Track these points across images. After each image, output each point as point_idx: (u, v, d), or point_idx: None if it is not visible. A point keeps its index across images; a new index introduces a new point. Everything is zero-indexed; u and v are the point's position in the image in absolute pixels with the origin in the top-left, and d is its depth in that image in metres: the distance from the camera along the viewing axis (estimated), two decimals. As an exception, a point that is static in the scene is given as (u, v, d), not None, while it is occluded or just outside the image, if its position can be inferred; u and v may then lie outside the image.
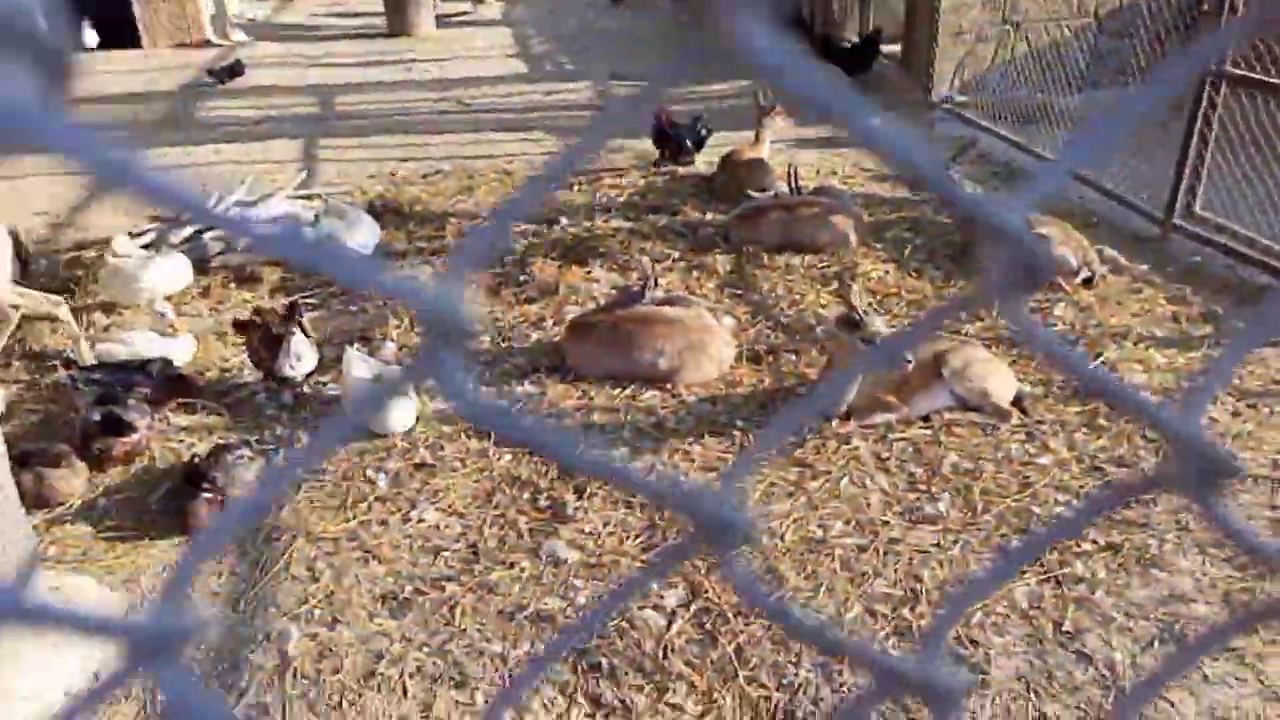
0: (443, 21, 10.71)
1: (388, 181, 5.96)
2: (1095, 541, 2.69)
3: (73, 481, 3.05)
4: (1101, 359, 3.61)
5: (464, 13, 11.38)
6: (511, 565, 2.69)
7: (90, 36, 9.49)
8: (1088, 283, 4.11)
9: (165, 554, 2.77)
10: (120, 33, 9.63)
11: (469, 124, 7.21)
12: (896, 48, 7.55)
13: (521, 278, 4.50)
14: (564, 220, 5.15)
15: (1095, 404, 3.32)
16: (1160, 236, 4.61)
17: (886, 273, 4.37)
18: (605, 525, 2.84)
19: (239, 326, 3.68)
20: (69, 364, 3.62)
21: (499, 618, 2.50)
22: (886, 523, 2.78)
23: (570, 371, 3.69)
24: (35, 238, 5.33)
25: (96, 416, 3.20)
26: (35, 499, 2.93)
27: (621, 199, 5.45)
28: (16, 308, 3.81)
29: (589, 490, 2.98)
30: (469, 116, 7.46)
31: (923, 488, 2.92)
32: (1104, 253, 4.31)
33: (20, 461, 2.88)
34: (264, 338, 3.58)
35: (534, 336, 4.02)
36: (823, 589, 2.52)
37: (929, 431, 3.20)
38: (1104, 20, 6.76)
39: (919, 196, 4.84)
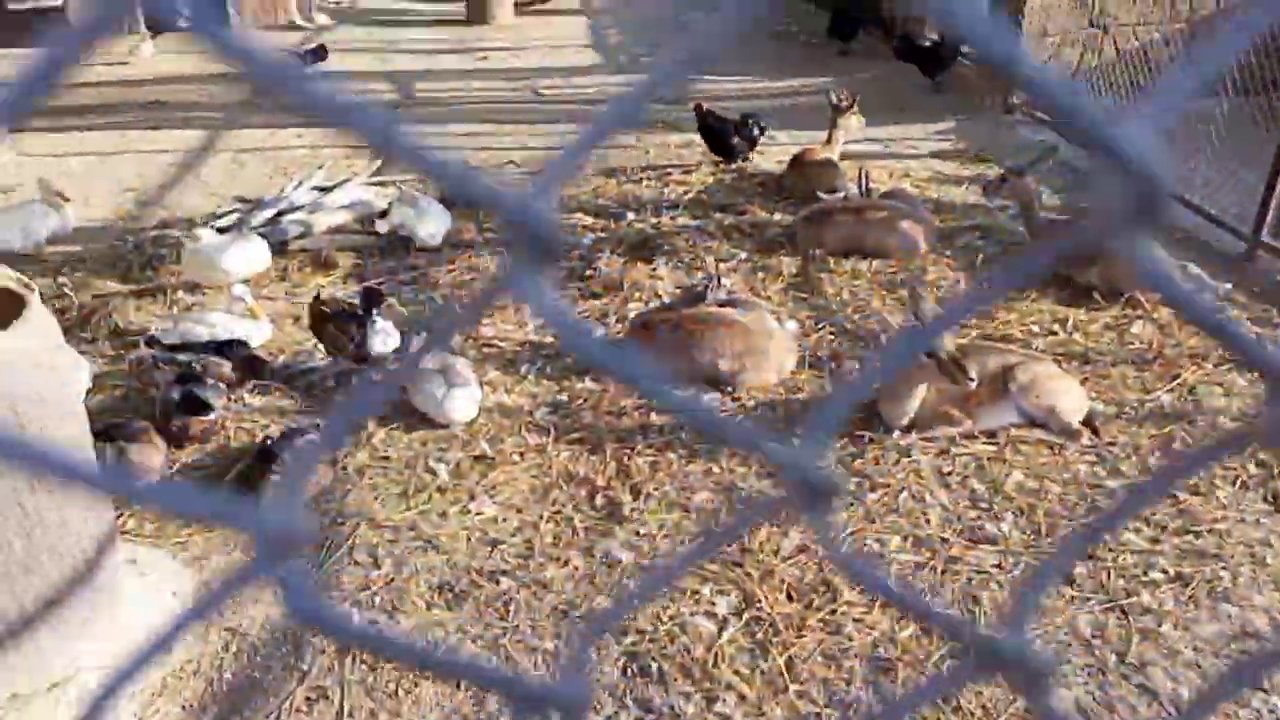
0: (521, 9, 10.78)
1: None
2: (1164, 571, 2.62)
3: (152, 457, 3.17)
4: (1179, 380, 3.50)
5: (542, 1, 11.43)
6: (566, 563, 2.73)
7: (183, 21, 9.75)
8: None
9: (234, 534, 2.87)
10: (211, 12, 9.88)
11: (542, 114, 7.27)
12: (978, 47, 7.37)
13: (587, 272, 4.53)
14: (631, 215, 5.16)
15: (1171, 427, 3.23)
16: (1247, 255, 4.45)
17: (957, 281, 4.29)
18: (660, 528, 2.85)
19: (315, 314, 3.77)
20: (151, 342, 3.76)
21: (552, 615, 2.54)
22: (945, 540, 2.74)
23: (632, 370, 3.70)
24: (125, 215, 5.54)
25: (176, 395, 3.32)
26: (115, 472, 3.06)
27: (689, 196, 5.44)
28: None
29: (645, 491, 3.00)
30: (542, 107, 7.51)
31: (985, 506, 2.88)
32: (1187, 269, 4.17)
33: (103, 435, 3.01)
34: (340, 324, 3.67)
35: (599, 331, 4.04)
36: (877, 604, 2.50)
37: (994, 448, 3.14)
38: (1197, 25, 6.52)
39: (993, 203, 4.74)
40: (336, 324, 3.69)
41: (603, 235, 4.96)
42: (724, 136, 5.77)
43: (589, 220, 5.16)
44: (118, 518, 2.64)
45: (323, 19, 10.44)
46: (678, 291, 4.30)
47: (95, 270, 4.72)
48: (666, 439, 3.29)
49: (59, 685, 2.26)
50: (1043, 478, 2.99)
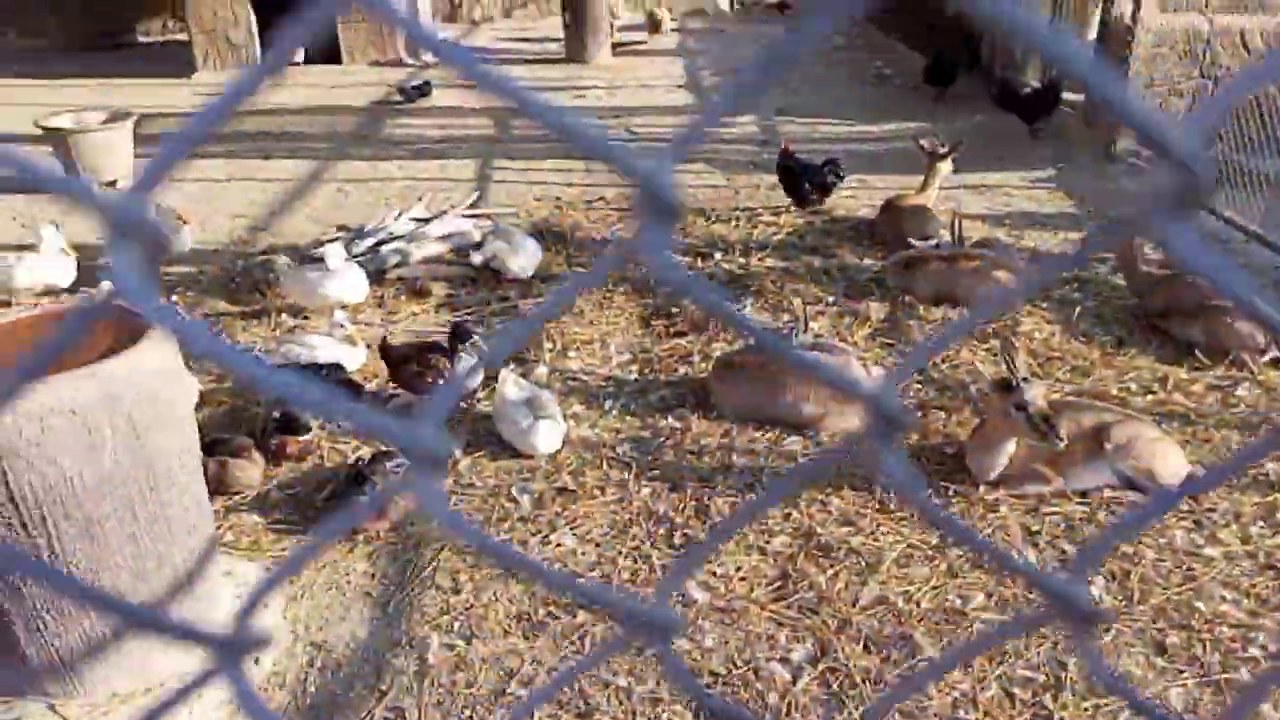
0: (618, 50, 11.01)
1: (553, 206, 6.18)
2: (1264, 648, 2.50)
3: (251, 472, 3.31)
4: (1287, 447, 3.34)
5: (639, 42, 11.66)
6: (642, 600, 2.74)
7: (299, 53, 10.28)
8: (1277, 363, 3.83)
9: (326, 550, 2.97)
10: (324, 49, 10.38)
11: (634, 153, 7.38)
12: (1079, 97, 7.25)
13: (673, 310, 4.58)
14: (719, 255, 5.20)
15: (1275, 496, 3.09)
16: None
17: (1051, 334, 4.20)
18: (738, 570, 2.85)
19: (390, 359, 3.89)
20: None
21: (626, 651, 2.55)
22: (1032, 600, 2.67)
23: (714, 409, 3.72)
24: (235, 239, 5.82)
25: (276, 414, 3.47)
26: (216, 485, 3.20)
27: (778, 237, 5.46)
28: None
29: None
30: (635, 145, 7.64)
31: (1074, 568, 2.79)
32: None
33: (207, 449, 3.15)
34: (423, 360, 3.79)
35: (681, 370, 4.07)
36: (959, 664, 2.45)
37: (1085, 509, 3.05)
38: (1317, 76, 6.26)
39: (1092, 255, 4.62)
40: (420, 361, 3.80)
41: (690, 273, 5.00)
42: (799, 180, 5.76)
43: (676, 258, 5.20)
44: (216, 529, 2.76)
45: (428, 56, 10.83)
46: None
47: (207, 290, 4.97)
48: (747, 481, 3.29)
49: (153, 690, 2.36)
50: (1137, 542, 2.88)
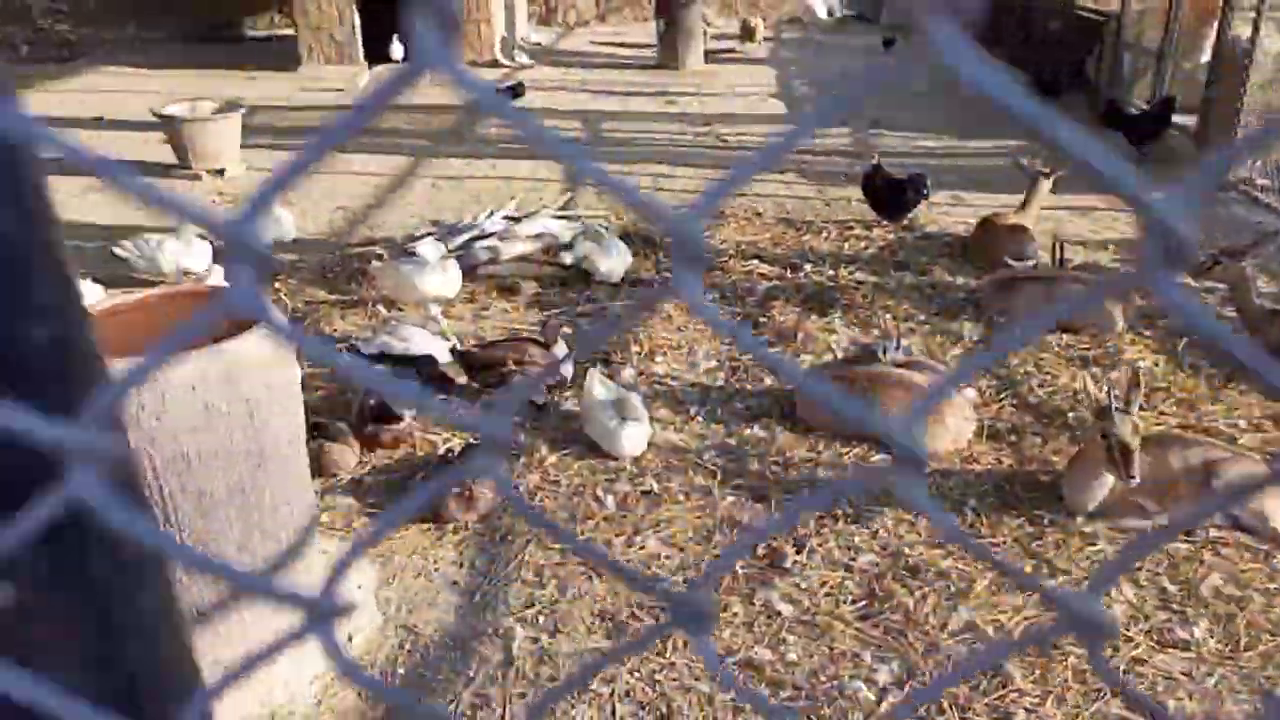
0: (710, 57, 11.02)
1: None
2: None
3: (347, 457, 3.40)
4: None
5: (731, 49, 11.66)
6: (725, 608, 2.73)
7: (397, 50, 10.54)
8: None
9: (416, 538, 3.03)
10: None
11: (724, 160, 7.39)
12: (1190, 119, 7.00)
13: (761, 319, 4.57)
14: (808, 267, 5.17)
15: (1396, 546, 2.93)
16: None
17: (1155, 364, 4.06)
18: (823, 585, 2.82)
19: (471, 366, 3.96)
20: (354, 350, 4.04)
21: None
22: (1130, 639, 2.58)
23: (800, 421, 3.70)
24: (334, 230, 5.99)
25: (372, 402, 3.56)
26: (314, 467, 3.29)
27: (869, 251, 5.40)
28: None
29: (809, 546, 2.98)
30: (725, 153, 7.64)
31: (1176, 607, 2.69)
32: None
33: (309, 432, 3.25)
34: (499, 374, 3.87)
35: (767, 380, 4.05)
36: (1051, 698, 2.38)
37: (1189, 546, 2.94)
38: None
39: (1201, 285, 4.46)
40: (497, 367, 3.86)
41: (778, 284, 4.98)
42: (882, 194, 5.68)
43: (765, 268, 5.19)
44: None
45: (523, 58, 11.01)
46: (851, 348, 4.27)
47: (308, 279, 5.12)
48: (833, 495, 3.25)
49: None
50: (1245, 585, 2.77)
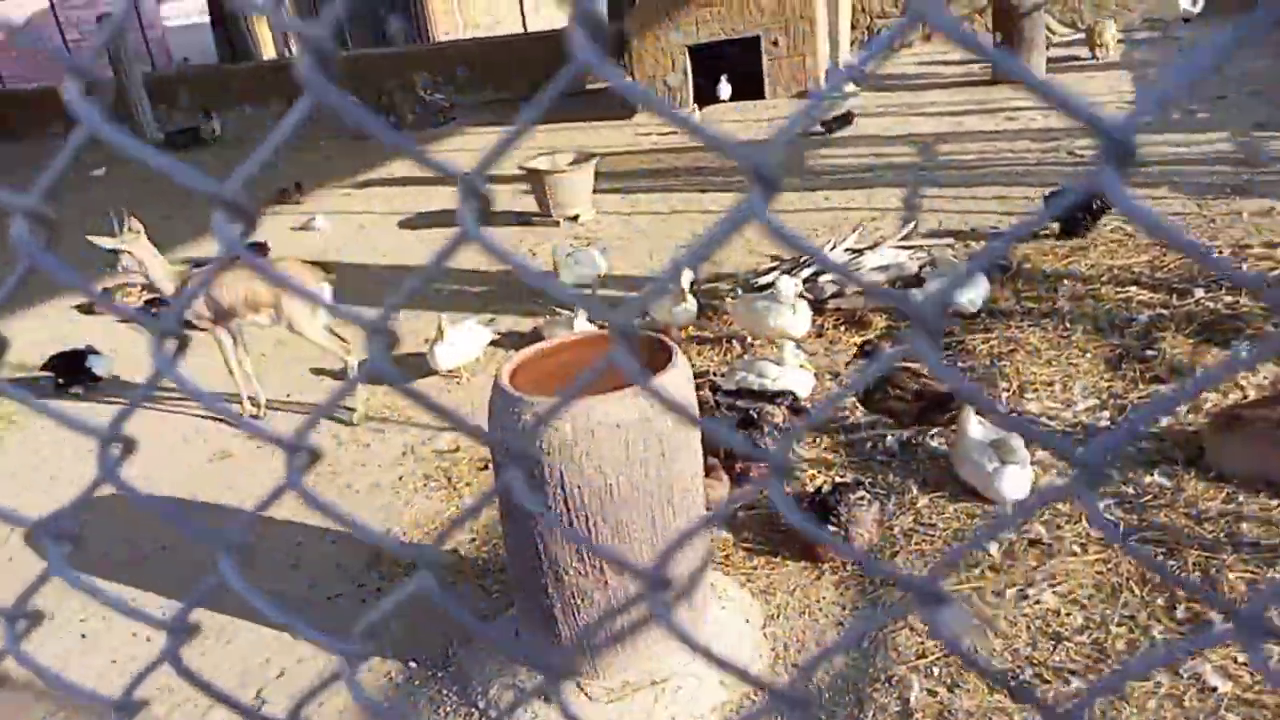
0: (1053, 66, 10.31)
1: (990, 236, 5.90)
2: None
3: (718, 490, 3.52)
4: None
5: (1076, 57, 10.83)
6: (1146, 677, 2.49)
7: (724, 90, 10.91)
8: None
9: (795, 575, 3.07)
10: (749, 85, 10.92)
11: (1079, 177, 6.83)
12: None
13: (1147, 353, 4.15)
14: (1199, 292, 4.63)
15: None
16: None
17: None
18: (1269, 659, 2.47)
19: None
20: (715, 388, 4.19)
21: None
22: None
23: (1211, 468, 3.30)
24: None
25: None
26: (690, 500, 3.45)
27: (1276, 273, 4.73)
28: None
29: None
30: (1080, 168, 7.07)
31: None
32: None
33: (685, 467, 3.41)
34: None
35: (1163, 421, 3.67)
36: None
37: None
38: None
39: None
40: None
41: (1163, 312, 4.50)
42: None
43: (1145, 295, 4.72)
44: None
45: (849, 86, 10.95)
46: (1268, 383, 3.75)
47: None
48: (1264, 555, 2.86)
49: (658, 684, 2.59)
50: None
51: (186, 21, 25.26)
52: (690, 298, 4.99)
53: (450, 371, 4.83)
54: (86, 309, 6.91)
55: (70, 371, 5.37)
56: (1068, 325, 4.55)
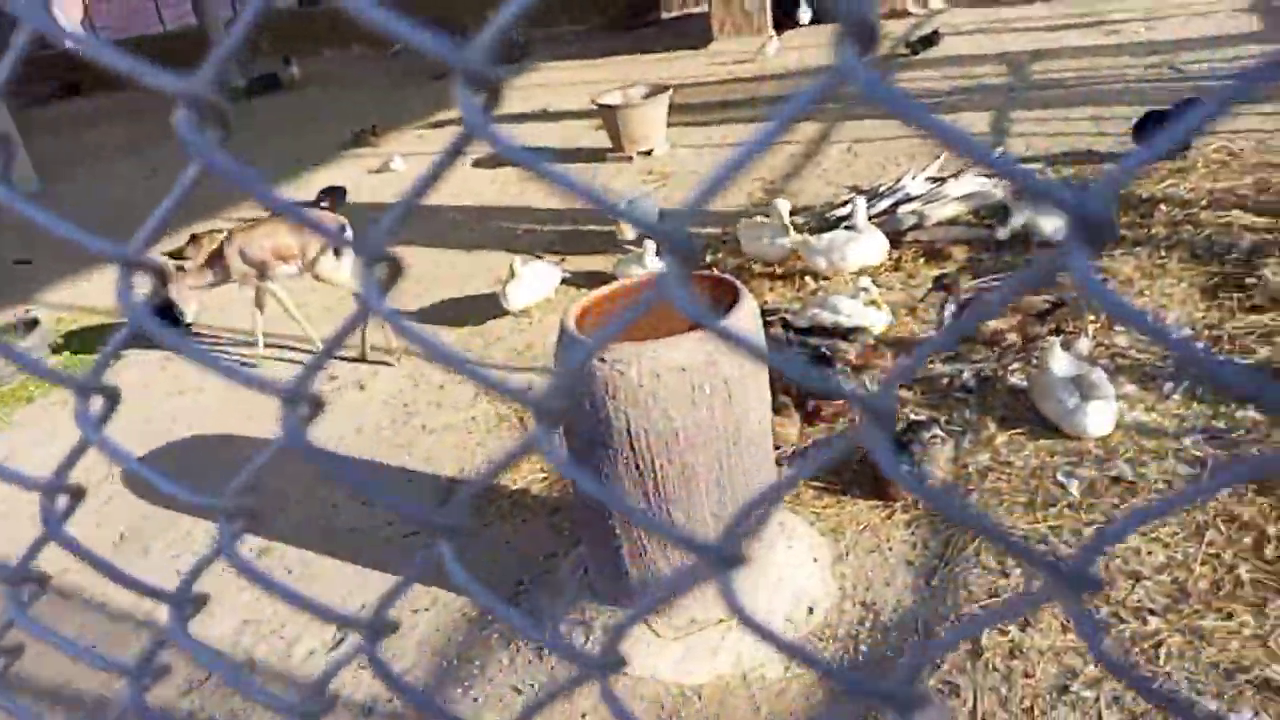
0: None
1: (1084, 158, 5.62)
2: None
3: (790, 429, 3.50)
4: None
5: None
6: (1229, 616, 2.41)
7: (804, 14, 10.55)
8: None
9: (865, 514, 3.05)
10: (831, 6, 10.54)
11: (1183, 93, 6.43)
12: None
13: (1248, 280, 3.92)
14: (1310, 213, 4.34)
15: None
16: None
17: None
18: (1357, 609, 2.37)
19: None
20: (786, 325, 4.14)
21: (1214, 672, 2.26)
22: None
23: (1313, 403, 3.12)
24: (754, 201, 6.16)
25: (813, 375, 3.62)
26: (761, 438, 3.44)
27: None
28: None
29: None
30: (1183, 85, 6.65)
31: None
32: None
33: (755, 405, 3.39)
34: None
35: (1262, 352, 3.48)
36: None
37: None
38: None
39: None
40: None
41: (1269, 237, 4.24)
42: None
43: (1249, 219, 4.45)
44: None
45: (936, 3, 10.46)
46: (1380, 312, 3.52)
47: (734, 251, 5.32)
48: (1368, 495, 2.71)
49: (723, 621, 2.62)
50: None
51: None
52: (792, 230, 4.87)
53: (522, 311, 4.88)
54: (176, 254, 7.17)
55: (163, 320, 5.62)
56: (1163, 253, 4.33)
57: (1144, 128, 5.23)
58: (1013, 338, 3.61)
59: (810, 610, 2.69)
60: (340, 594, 3.16)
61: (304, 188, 8.21)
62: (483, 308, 5.11)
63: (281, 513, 3.65)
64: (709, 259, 5.30)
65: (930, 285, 3.94)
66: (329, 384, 4.64)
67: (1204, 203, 4.69)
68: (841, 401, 3.55)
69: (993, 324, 3.62)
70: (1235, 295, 3.86)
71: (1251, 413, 3.15)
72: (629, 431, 2.38)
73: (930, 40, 8.77)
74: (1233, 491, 2.82)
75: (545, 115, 9.44)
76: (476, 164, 8.28)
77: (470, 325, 5.04)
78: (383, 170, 8.43)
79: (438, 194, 7.59)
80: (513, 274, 4.77)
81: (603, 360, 2.34)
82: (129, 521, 3.82)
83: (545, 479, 3.55)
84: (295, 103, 12.77)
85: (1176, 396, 3.33)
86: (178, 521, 3.76)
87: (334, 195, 7.53)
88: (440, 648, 2.84)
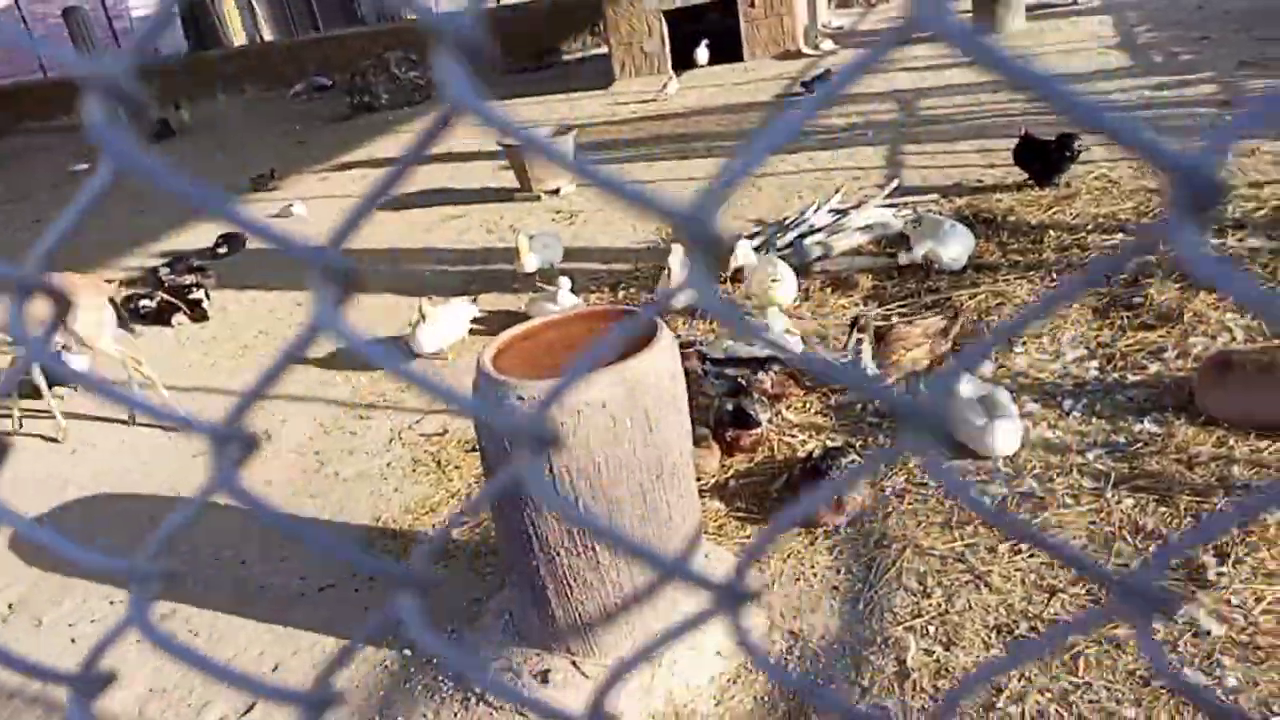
0: (1034, 14, 10.21)
1: (974, 190, 5.86)
2: None
3: (710, 461, 3.51)
4: None
5: (1055, 3, 10.72)
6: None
7: (703, 54, 10.79)
8: None
9: (789, 542, 3.06)
10: (728, 48, 10.80)
11: (1063, 124, 6.78)
12: None
13: (1135, 299, 4.13)
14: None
15: None
16: None
17: None
18: (1258, 601, 2.48)
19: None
20: (703, 356, 4.17)
21: (1131, 679, 2.33)
22: None
23: (1202, 413, 3.29)
24: (664, 236, 6.22)
25: (730, 407, 3.64)
26: (682, 471, 3.43)
27: (1262, 214, 4.70)
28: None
29: (1234, 555, 2.64)
30: (1062, 118, 7.00)
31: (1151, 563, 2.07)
32: None
33: (674, 438, 3.39)
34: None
35: (1152, 368, 3.66)
36: None
37: None
38: None
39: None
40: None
41: (1150, 259, 4.47)
42: (1029, 161, 5.59)
43: (1132, 241, 4.69)
44: (695, 515, 2.95)
45: (826, 45, 10.84)
46: (1256, 325, 3.74)
47: (647, 285, 5.34)
48: (1255, 497, 2.85)
49: (654, 658, 2.58)
50: None
51: (153, 10, 24.88)
52: (790, 274, 4.79)
53: (435, 353, 4.79)
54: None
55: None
56: (1054, 276, 4.53)
57: (1022, 152, 5.61)
58: (924, 361, 3.71)
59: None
60: (252, 655, 3.01)
61: (201, 236, 7.96)
62: (394, 351, 5.00)
63: (187, 573, 3.47)
64: (621, 294, 5.31)
65: (850, 327, 4.02)
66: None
67: (1089, 227, 4.93)
68: (759, 432, 3.58)
69: (905, 348, 3.72)
70: (1125, 314, 4.05)
71: (1149, 426, 3.30)
72: (551, 469, 2.34)
73: (824, 79, 9.05)
74: (1136, 503, 2.93)
75: (451, 156, 9.38)
76: (381, 207, 8.15)
77: (381, 370, 4.92)
78: (283, 215, 8.23)
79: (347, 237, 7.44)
80: (422, 316, 4.68)
81: (520, 399, 2.30)
82: (18, 591, 3.58)
83: (467, 522, 3.46)
84: (189, 149, 12.41)
85: (1077, 413, 3.47)
86: (71, 588, 3.53)
87: (232, 242, 7.31)
88: (360, 705, 2.72)
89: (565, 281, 5.00)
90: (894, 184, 6.06)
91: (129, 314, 6.11)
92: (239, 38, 18.09)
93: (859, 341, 3.83)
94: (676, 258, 4.87)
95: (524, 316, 5.00)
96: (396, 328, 5.22)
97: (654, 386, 2.39)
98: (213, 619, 3.22)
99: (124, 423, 4.80)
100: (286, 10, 18.76)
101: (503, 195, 7.70)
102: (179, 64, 16.21)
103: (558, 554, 2.47)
